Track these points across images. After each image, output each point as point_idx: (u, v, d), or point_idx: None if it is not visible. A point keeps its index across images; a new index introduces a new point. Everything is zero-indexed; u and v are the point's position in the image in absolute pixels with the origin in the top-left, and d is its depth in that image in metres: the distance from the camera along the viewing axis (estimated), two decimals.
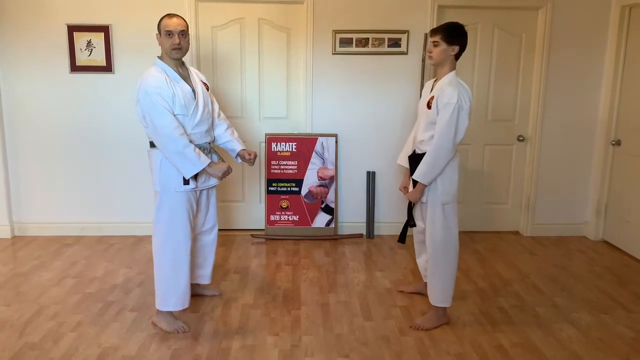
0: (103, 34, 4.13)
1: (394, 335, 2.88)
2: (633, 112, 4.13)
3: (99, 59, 4.17)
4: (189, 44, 2.80)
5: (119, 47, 4.18)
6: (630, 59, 4.16)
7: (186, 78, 2.82)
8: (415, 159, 2.91)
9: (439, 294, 2.93)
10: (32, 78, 4.21)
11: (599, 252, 4.26)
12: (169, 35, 2.69)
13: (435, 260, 2.91)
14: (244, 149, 3.04)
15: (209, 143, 2.93)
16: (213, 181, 2.92)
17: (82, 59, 4.17)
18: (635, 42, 4.10)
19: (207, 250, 3.15)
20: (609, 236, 4.47)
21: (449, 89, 2.72)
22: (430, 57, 2.85)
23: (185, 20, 2.78)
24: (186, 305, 2.89)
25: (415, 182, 2.89)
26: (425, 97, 2.91)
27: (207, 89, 2.95)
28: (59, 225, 4.44)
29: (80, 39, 4.14)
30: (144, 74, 2.73)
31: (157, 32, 2.77)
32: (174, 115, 2.68)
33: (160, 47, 2.77)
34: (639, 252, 4.08)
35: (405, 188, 3.09)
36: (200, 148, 2.77)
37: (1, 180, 4.31)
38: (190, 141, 2.72)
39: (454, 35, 2.76)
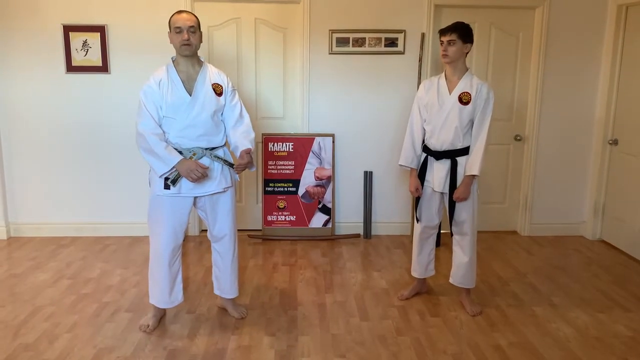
0: (99, 34, 4.12)
1: (390, 335, 2.87)
2: (630, 111, 4.13)
3: (95, 59, 4.16)
4: (200, 40, 2.74)
5: (115, 47, 4.17)
6: (627, 58, 4.16)
7: (192, 80, 2.72)
8: (452, 154, 2.99)
9: (474, 275, 3.17)
10: (28, 78, 4.19)
11: (597, 251, 4.26)
12: (178, 31, 2.65)
13: (472, 246, 3.09)
14: (245, 150, 2.74)
15: (209, 149, 2.74)
16: (210, 188, 2.77)
17: (78, 59, 4.16)
18: (632, 41, 4.10)
19: (220, 261, 2.99)
20: (606, 235, 4.47)
21: (483, 84, 2.95)
22: (445, 55, 2.91)
23: (195, 17, 2.71)
24: (167, 306, 2.92)
25: (452, 179, 2.98)
26: (443, 94, 2.97)
27: (220, 94, 2.77)
28: (55, 226, 4.42)
29: (76, 39, 4.13)
30: None
31: (168, 30, 2.72)
32: (161, 117, 2.68)
33: (172, 45, 2.73)
34: (636, 251, 4.07)
35: (417, 189, 3.11)
36: (190, 152, 2.67)
37: None
38: (172, 144, 2.67)
39: (468, 34, 2.91)
